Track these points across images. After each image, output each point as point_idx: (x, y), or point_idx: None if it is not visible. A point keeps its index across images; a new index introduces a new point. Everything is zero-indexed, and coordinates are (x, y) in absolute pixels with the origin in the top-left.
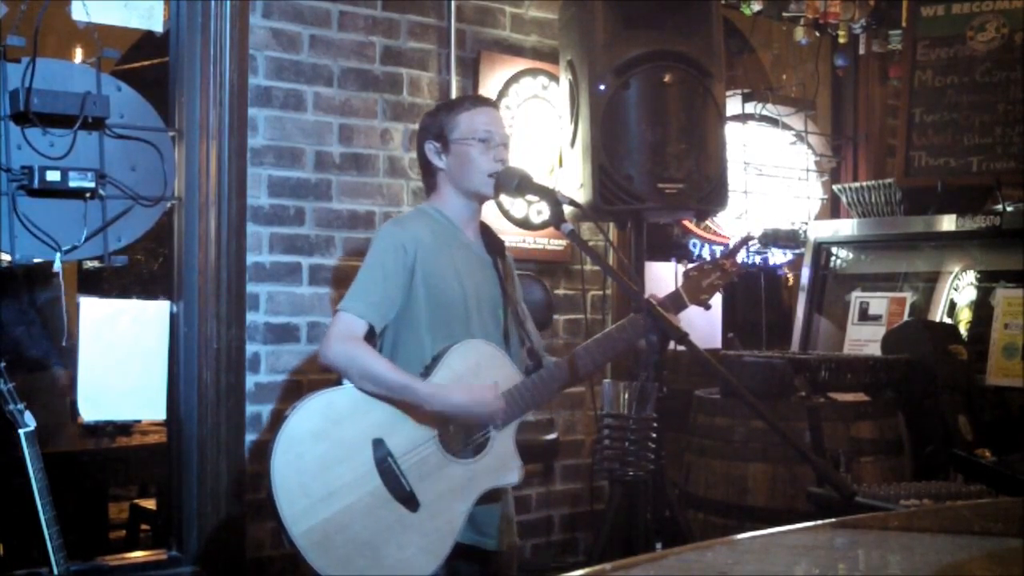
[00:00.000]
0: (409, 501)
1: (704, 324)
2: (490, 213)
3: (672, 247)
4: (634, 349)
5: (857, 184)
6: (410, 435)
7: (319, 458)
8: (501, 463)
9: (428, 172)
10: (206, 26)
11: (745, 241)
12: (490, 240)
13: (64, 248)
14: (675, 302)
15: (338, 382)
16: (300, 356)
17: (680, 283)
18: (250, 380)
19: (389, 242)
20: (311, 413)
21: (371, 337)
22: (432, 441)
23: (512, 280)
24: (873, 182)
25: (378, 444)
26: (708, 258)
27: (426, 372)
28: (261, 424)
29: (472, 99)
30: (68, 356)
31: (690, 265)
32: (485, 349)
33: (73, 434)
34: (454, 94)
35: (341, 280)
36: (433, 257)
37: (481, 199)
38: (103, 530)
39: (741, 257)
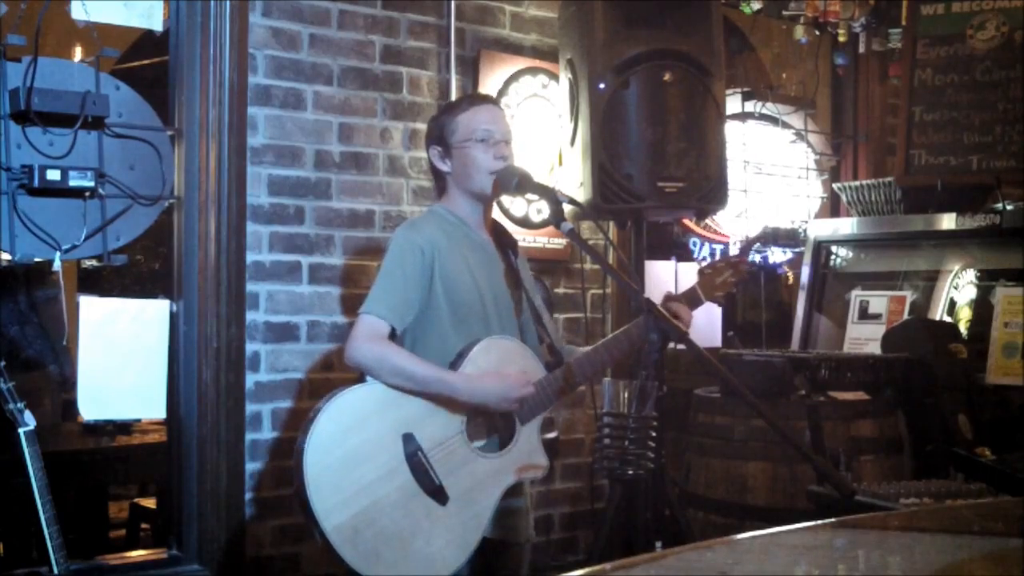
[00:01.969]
0: (438, 494)
1: (704, 323)
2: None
3: (672, 246)
4: (635, 351)
5: (857, 183)
6: (439, 429)
7: (349, 454)
8: (526, 457)
9: (436, 176)
10: (206, 25)
11: (751, 244)
12: (503, 238)
13: (64, 247)
14: (691, 299)
15: (341, 381)
16: (300, 355)
17: (696, 280)
18: (250, 379)
19: (406, 246)
20: (340, 409)
21: (392, 338)
22: (460, 435)
23: (525, 273)
24: (873, 181)
25: (408, 438)
26: (718, 256)
27: (452, 368)
28: (261, 423)
29: (470, 99)
30: (67, 355)
31: (705, 263)
32: (508, 344)
33: (73, 433)
34: (454, 93)
35: (341, 279)
36: (448, 257)
37: (487, 198)
38: (103, 529)
39: (752, 257)
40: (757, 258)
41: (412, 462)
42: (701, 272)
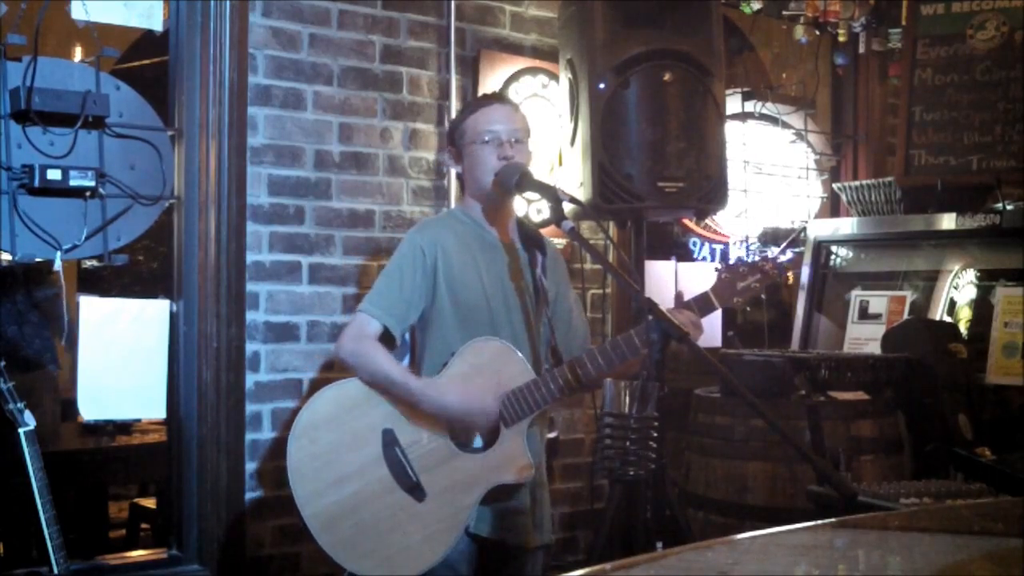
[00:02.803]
0: (415, 491)
1: (704, 323)
2: None
3: (672, 246)
4: (637, 360)
5: (857, 183)
6: (420, 427)
7: (331, 444)
8: (509, 460)
9: (457, 177)
10: (206, 25)
11: (791, 243)
12: (527, 236)
13: (64, 247)
14: (703, 305)
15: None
16: (300, 355)
17: (711, 285)
18: (250, 379)
19: (408, 247)
20: (327, 401)
21: (389, 338)
22: (441, 434)
23: (554, 274)
24: (873, 181)
25: (387, 434)
26: (718, 256)
27: (442, 369)
28: (261, 423)
29: (477, 101)
30: (68, 355)
31: (722, 265)
32: (496, 347)
33: (73, 433)
34: (454, 93)
35: (341, 279)
36: (455, 258)
37: (493, 198)
38: (103, 529)
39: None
40: (784, 259)
41: (389, 458)
42: (719, 275)
